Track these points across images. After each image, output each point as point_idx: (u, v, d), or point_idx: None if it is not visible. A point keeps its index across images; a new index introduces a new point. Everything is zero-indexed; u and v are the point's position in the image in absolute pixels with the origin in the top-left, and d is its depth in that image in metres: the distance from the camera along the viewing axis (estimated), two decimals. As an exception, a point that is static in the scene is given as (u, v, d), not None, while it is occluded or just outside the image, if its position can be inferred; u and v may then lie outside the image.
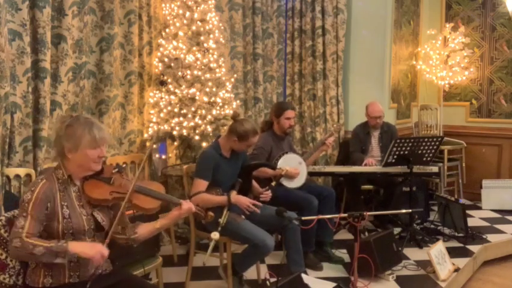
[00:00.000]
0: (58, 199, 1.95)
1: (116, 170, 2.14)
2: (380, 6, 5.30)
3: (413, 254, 3.91)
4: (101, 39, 3.72)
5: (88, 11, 3.55)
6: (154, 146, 4.16)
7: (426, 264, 3.58)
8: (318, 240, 3.81)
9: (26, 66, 3.03)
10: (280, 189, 3.62)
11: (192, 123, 3.88)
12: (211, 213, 2.29)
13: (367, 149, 4.70)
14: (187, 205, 2.17)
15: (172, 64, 4.00)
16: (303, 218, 2.89)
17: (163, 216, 2.26)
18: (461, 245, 4.14)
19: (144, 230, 2.18)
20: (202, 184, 3.07)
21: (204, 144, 3.89)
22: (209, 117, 3.95)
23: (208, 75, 4.02)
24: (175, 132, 3.89)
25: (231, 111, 4.10)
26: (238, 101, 4.46)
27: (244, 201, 3.06)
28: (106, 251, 1.92)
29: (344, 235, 4.45)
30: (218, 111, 4.02)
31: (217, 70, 4.12)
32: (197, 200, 3.02)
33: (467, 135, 5.96)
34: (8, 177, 2.96)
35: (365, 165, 4.41)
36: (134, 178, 2.10)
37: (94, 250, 1.89)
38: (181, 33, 4.01)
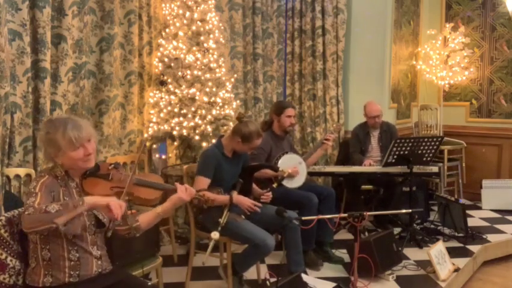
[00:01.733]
0: (61, 194, 1.96)
1: (112, 166, 2.14)
2: (380, 6, 5.30)
3: (413, 254, 3.91)
4: (101, 39, 3.72)
5: (88, 11, 3.55)
6: (154, 146, 4.16)
7: (426, 264, 3.58)
8: (318, 240, 3.81)
9: (26, 66, 3.04)
10: (280, 189, 3.62)
11: (192, 123, 3.88)
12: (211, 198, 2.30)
13: (367, 149, 4.70)
14: (184, 188, 2.14)
15: (172, 64, 4.00)
16: (303, 218, 2.90)
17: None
18: (461, 245, 4.14)
19: (146, 217, 2.17)
20: (203, 181, 3.07)
21: (204, 144, 3.89)
22: (209, 117, 3.95)
23: (208, 75, 4.02)
24: (175, 132, 3.89)
25: (231, 111, 4.11)
26: (238, 101, 4.46)
27: (245, 201, 3.07)
28: (123, 203, 1.90)
29: (344, 235, 4.45)
30: (218, 111, 4.02)
31: (217, 70, 4.12)
32: None
33: (467, 135, 5.96)
34: (8, 177, 2.96)
35: (363, 166, 4.42)
36: (133, 170, 2.11)
37: (110, 198, 1.88)
38: (181, 33, 4.01)
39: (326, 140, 4.10)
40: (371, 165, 4.42)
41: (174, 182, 2.20)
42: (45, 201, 1.85)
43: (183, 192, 2.13)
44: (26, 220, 1.76)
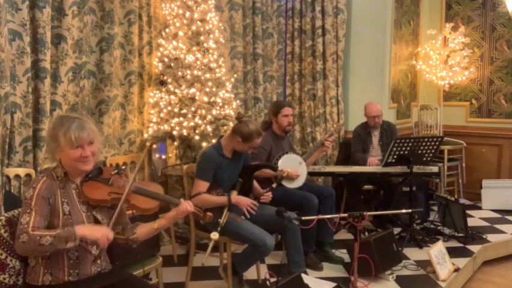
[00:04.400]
0: (59, 196, 1.97)
1: (115, 171, 2.14)
2: (380, 6, 5.30)
3: (413, 254, 3.91)
4: (101, 39, 3.72)
5: (88, 11, 3.55)
6: (154, 146, 4.16)
7: (426, 264, 3.58)
8: (318, 240, 3.81)
9: (26, 66, 3.03)
10: (280, 189, 3.62)
11: (191, 123, 3.88)
12: (209, 214, 2.28)
13: (368, 148, 4.71)
14: (184, 205, 2.15)
15: (172, 64, 4.00)
16: (303, 218, 2.90)
17: (162, 217, 2.26)
18: (461, 245, 4.14)
19: (143, 230, 2.19)
20: (202, 185, 3.07)
21: (204, 144, 3.89)
22: (209, 117, 3.95)
23: (208, 75, 4.02)
24: (175, 132, 3.89)
25: (231, 111, 4.11)
26: (238, 101, 4.46)
27: (244, 201, 3.06)
28: (111, 234, 1.95)
29: (344, 235, 4.45)
30: (218, 111, 4.02)
31: (217, 70, 4.12)
32: (197, 200, 3.02)
33: (467, 135, 5.96)
34: (8, 177, 2.96)
35: (369, 165, 4.42)
36: (131, 178, 2.09)
37: (100, 232, 1.92)
38: (181, 33, 4.01)
39: (326, 143, 4.08)
40: (375, 163, 4.41)
41: (180, 199, 2.19)
42: (40, 219, 1.88)
43: (183, 211, 2.14)
44: (20, 248, 1.85)
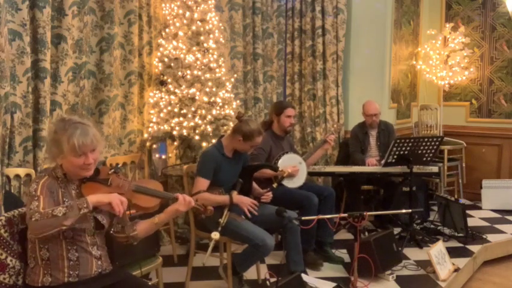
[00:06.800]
0: (60, 195, 1.96)
1: (112, 170, 2.13)
2: (380, 6, 5.30)
3: (413, 254, 3.91)
4: (101, 39, 3.72)
5: (88, 11, 3.55)
6: (154, 146, 4.16)
7: (426, 264, 3.58)
8: (318, 240, 3.81)
9: (26, 66, 3.03)
10: (281, 189, 3.62)
11: (192, 123, 3.88)
12: (210, 208, 2.28)
13: (366, 148, 4.71)
14: (183, 198, 2.14)
15: (172, 64, 4.00)
16: (303, 217, 2.90)
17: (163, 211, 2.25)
18: (461, 245, 4.14)
19: (143, 226, 2.18)
20: (203, 183, 3.08)
21: (204, 144, 3.89)
22: (209, 117, 3.95)
23: (208, 75, 4.02)
24: (175, 132, 3.89)
25: (231, 111, 4.11)
26: (238, 101, 4.46)
27: (246, 201, 3.06)
28: (125, 200, 1.94)
29: (344, 235, 4.45)
30: (218, 111, 4.02)
31: (217, 70, 4.12)
32: (198, 199, 3.02)
33: (467, 135, 5.96)
34: (8, 177, 2.96)
35: (367, 165, 4.42)
36: (131, 177, 2.09)
37: (111, 196, 1.92)
38: (181, 33, 4.01)
39: (328, 141, 4.09)
40: (373, 164, 4.42)
41: (176, 193, 2.18)
42: (49, 203, 1.87)
43: (181, 204, 2.14)
44: (34, 226, 1.79)
